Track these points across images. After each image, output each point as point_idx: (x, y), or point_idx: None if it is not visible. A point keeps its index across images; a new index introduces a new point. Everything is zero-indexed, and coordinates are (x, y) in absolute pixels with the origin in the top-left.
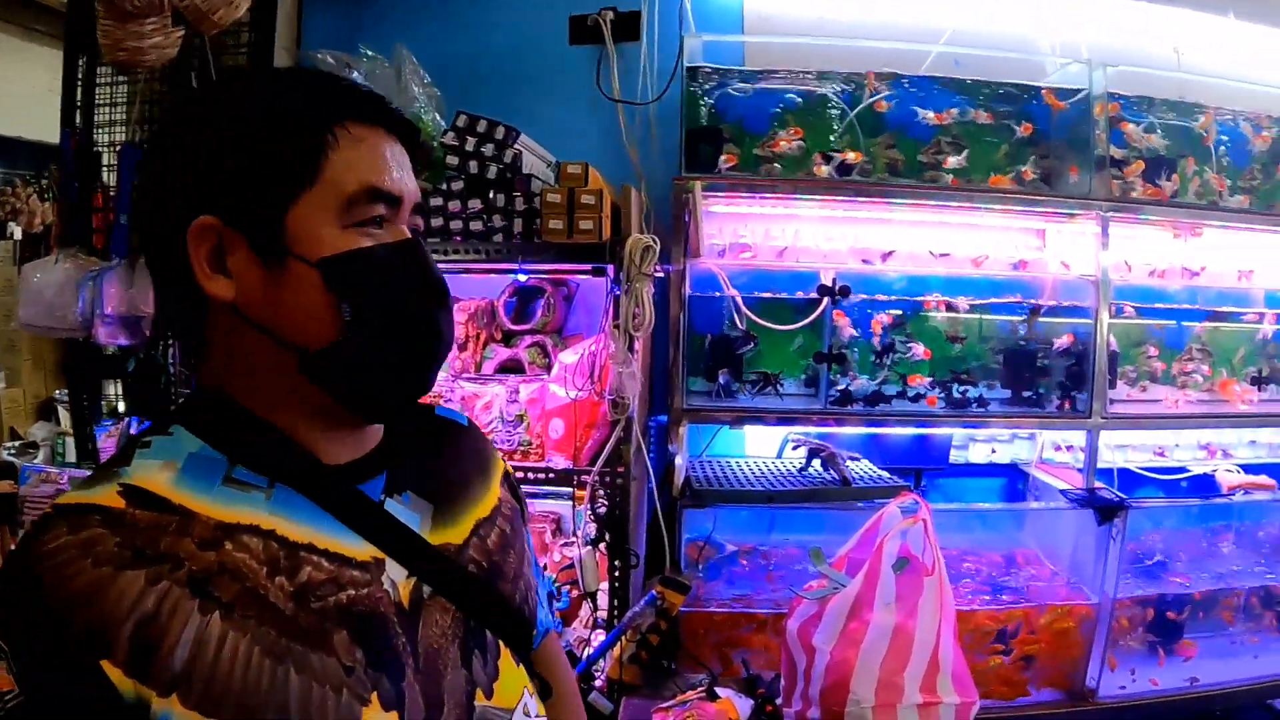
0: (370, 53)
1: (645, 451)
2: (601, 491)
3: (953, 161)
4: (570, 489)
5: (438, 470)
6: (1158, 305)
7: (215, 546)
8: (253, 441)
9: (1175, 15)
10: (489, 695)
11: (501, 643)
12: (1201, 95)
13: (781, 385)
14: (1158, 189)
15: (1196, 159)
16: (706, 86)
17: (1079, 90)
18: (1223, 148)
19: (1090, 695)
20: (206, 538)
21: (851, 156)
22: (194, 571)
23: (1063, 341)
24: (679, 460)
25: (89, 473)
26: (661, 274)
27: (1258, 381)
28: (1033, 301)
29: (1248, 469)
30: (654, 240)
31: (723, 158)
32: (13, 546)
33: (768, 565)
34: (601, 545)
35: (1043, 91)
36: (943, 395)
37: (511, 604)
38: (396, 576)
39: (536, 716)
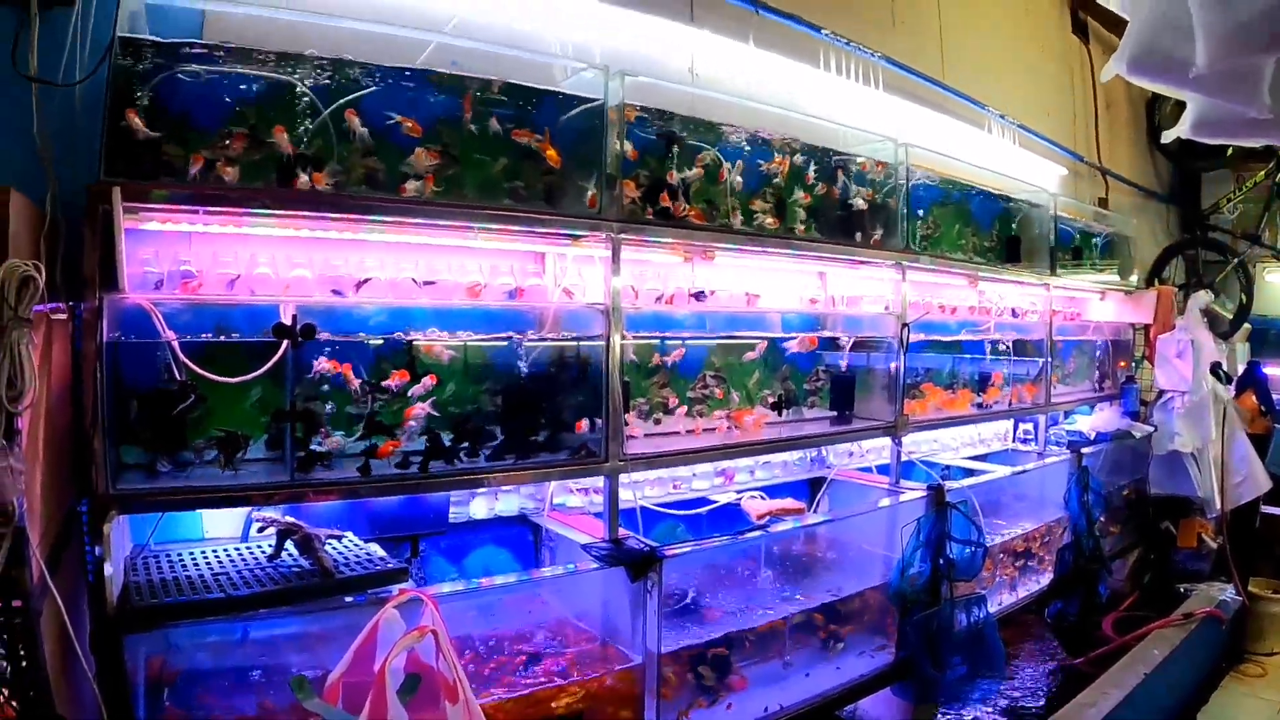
0: None
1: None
2: None
3: (435, 175)
4: None
5: None
6: (684, 335)
7: None
8: None
9: (693, 34)
10: None
11: None
12: (715, 113)
13: (245, 450)
14: (688, 209)
15: (709, 180)
16: (146, 66)
17: (594, 100)
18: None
19: None
20: None
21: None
22: None
23: (572, 376)
24: (109, 569)
25: None
26: (63, 315)
27: (777, 406)
28: (535, 335)
29: (768, 491)
30: (36, 269)
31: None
32: None
33: (263, 678)
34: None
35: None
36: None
37: None
38: None
39: None
